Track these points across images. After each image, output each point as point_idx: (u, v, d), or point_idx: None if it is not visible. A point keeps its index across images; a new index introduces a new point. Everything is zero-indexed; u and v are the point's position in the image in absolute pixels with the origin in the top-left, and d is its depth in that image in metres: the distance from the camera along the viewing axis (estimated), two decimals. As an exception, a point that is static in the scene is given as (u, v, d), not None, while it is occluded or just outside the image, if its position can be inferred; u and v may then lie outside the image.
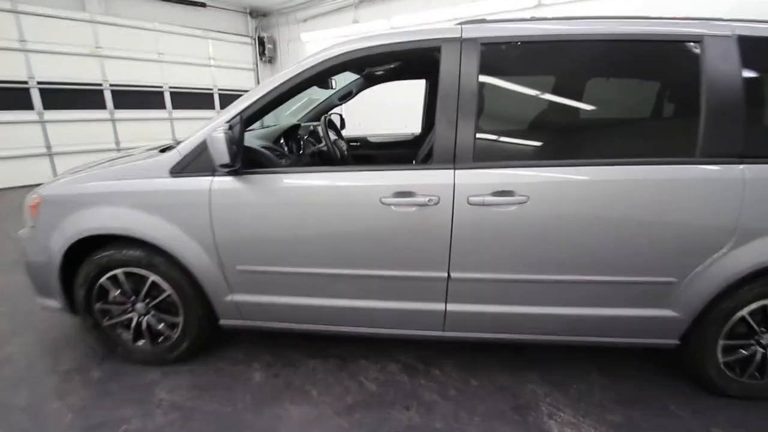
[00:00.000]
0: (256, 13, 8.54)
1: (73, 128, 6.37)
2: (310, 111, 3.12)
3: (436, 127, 1.52)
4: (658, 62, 1.49)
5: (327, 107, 3.08)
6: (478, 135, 1.50)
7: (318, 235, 1.60)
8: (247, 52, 8.71)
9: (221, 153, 1.41)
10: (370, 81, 2.95)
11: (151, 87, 7.22)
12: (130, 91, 6.92)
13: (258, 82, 8.95)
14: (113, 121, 6.82)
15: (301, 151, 2.18)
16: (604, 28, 1.46)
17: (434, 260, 1.58)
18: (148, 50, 7.07)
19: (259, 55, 8.81)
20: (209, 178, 1.62)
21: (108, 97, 6.73)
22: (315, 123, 2.40)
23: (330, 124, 2.32)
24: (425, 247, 1.57)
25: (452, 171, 1.50)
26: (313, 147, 2.14)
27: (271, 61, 8.82)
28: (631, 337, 1.68)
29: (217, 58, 8.06)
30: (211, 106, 8.18)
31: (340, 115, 3.32)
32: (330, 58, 1.57)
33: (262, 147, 1.78)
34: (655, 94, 1.56)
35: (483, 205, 1.49)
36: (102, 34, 6.52)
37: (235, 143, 1.50)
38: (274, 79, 1.61)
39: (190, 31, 7.64)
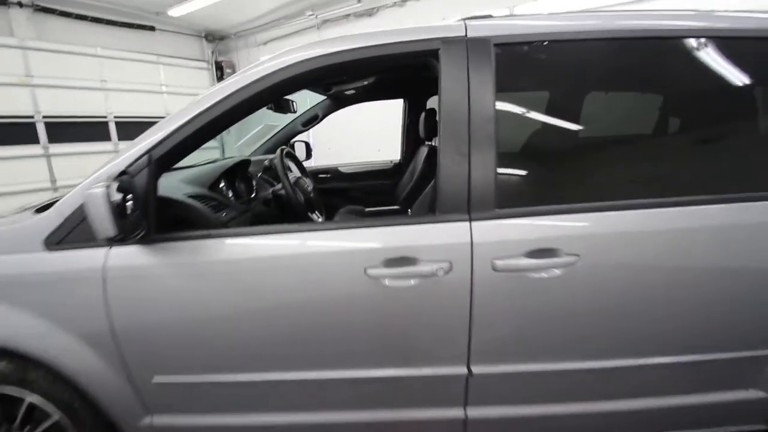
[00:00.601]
0: (212, 37, 8.03)
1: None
2: (268, 140, 2.62)
3: (439, 163, 1.06)
4: (741, 65, 1.10)
5: (289, 135, 2.60)
6: (501, 170, 1.05)
7: (275, 326, 1.08)
8: (203, 78, 8.13)
9: (102, 221, 0.88)
10: (338, 102, 2.51)
11: (93, 117, 6.50)
12: (68, 123, 6.17)
13: (217, 109, 8.33)
14: (48, 156, 6.03)
15: (253, 194, 1.67)
16: (668, 24, 1.06)
17: (447, 351, 1.09)
18: (89, 77, 6.39)
19: (217, 80, 8.26)
20: (104, 249, 1.07)
21: (41, 130, 5.95)
22: (271, 156, 1.90)
23: (290, 157, 1.82)
24: (434, 334, 1.08)
25: (467, 224, 1.04)
26: (268, 189, 1.62)
27: (230, 86, 8.28)
28: (705, 428, 1.24)
29: (170, 84, 7.42)
30: (165, 136, 7.46)
31: (306, 143, 2.84)
32: (280, 70, 1.09)
33: (192, 196, 1.26)
34: (740, 109, 1.16)
35: (514, 270, 1.03)
36: (34, 60, 5.81)
37: (141, 199, 0.99)
38: (203, 99, 1.11)
39: (139, 56, 7.01)
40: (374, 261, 1.04)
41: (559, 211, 1.05)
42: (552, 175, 1.14)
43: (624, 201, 1.04)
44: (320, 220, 1.65)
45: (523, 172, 1.14)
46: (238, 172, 1.64)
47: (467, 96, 1.05)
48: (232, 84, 1.10)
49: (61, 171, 6.13)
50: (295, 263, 1.05)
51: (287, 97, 2.09)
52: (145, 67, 7.03)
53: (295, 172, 1.80)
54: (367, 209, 2.26)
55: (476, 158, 1.04)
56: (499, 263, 1.03)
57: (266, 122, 2.47)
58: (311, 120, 2.55)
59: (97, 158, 6.46)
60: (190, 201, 1.21)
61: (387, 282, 1.04)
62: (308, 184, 1.56)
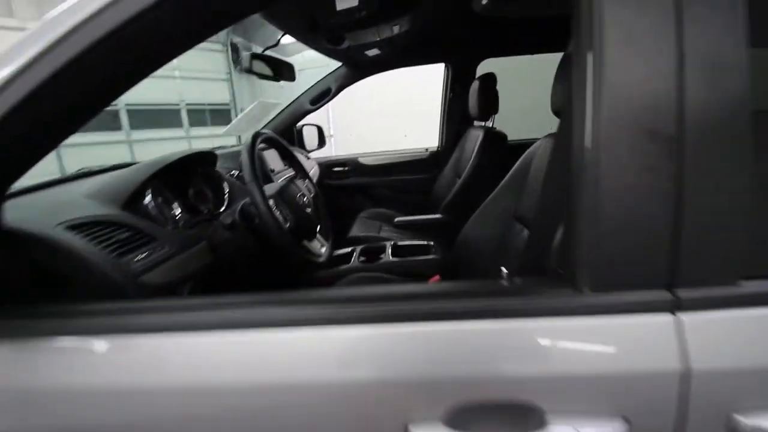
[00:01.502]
0: (226, 16, 7.48)
1: None
2: (268, 124, 2.02)
3: (581, 168, 0.42)
4: None
5: (294, 116, 1.99)
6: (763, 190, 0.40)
7: None
8: (219, 61, 7.64)
9: None
10: (356, 70, 1.87)
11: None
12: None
13: (233, 95, 7.89)
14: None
15: (223, 207, 1.05)
16: None
17: None
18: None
19: (234, 63, 7.75)
20: None
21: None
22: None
23: (273, 147, 1.14)
24: None
25: (668, 320, 0.40)
26: (235, 206, 0.97)
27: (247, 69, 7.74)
28: None
29: (183, 68, 6.99)
30: (179, 124, 7.10)
31: (318, 127, 2.23)
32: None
33: (77, 225, 0.66)
34: None
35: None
36: (36, 44, 5.43)
37: None
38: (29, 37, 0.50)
39: (149, 38, 6.58)
40: (425, 407, 0.42)
41: None
42: None
43: None
44: (323, 251, 1.04)
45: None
46: (195, 172, 1.03)
47: (676, 27, 0.39)
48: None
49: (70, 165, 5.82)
50: (238, 410, 0.45)
51: (283, 58, 1.48)
52: (156, 49, 6.60)
53: (285, 172, 1.20)
54: (397, 219, 1.64)
55: (698, 163, 0.39)
56: (749, 424, 0.39)
57: (261, 98, 1.89)
58: (322, 95, 1.93)
59: (103, 150, 6.11)
60: (64, 238, 0.62)
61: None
62: (302, 191, 0.94)
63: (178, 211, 0.92)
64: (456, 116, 1.99)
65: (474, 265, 1.14)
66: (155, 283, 0.71)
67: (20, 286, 0.58)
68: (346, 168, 2.18)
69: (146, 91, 6.43)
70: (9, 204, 0.58)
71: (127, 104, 6.32)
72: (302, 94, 1.96)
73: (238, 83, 7.86)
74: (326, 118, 6.23)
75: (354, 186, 2.18)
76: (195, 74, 7.18)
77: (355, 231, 1.75)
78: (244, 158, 0.81)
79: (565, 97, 0.62)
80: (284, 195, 0.89)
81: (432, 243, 1.49)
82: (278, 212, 0.85)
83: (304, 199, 0.95)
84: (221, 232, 0.86)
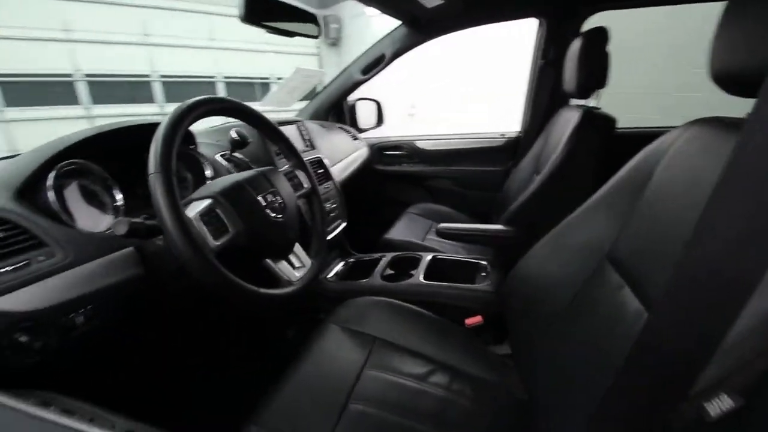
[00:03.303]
0: (317, -14, 7.39)
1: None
2: (316, 96, 1.75)
3: None
4: None
5: (343, 89, 1.69)
6: None
7: None
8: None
9: None
10: (418, 30, 1.48)
11: (202, 77, 6.55)
12: (180, 83, 6.27)
13: (321, 68, 7.91)
14: (90, 118, 5.04)
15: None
16: None
17: None
18: (198, 36, 6.36)
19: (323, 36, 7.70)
20: None
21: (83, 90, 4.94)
22: (232, 131, 0.87)
23: (249, 121, 0.73)
24: None
25: None
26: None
27: (335, 43, 7.64)
28: None
29: (272, 42, 7.14)
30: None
31: (376, 102, 1.91)
32: None
33: None
34: None
35: None
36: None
37: None
38: None
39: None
40: None
41: None
42: None
43: None
44: (298, 276, 0.69)
45: None
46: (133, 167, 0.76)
47: None
48: None
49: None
50: None
51: (307, 8, 1.18)
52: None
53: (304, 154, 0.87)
54: (441, 226, 1.24)
55: None
56: None
57: (298, 65, 1.61)
58: (375, 63, 1.59)
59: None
60: None
61: None
62: (276, 187, 0.62)
63: (119, 197, 0.68)
64: (545, 92, 1.51)
65: (530, 314, 0.74)
66: (11, 311, 0.48)
67: None
68: (400, 152, 1.83)
69: (237, 64, 6.71)
70: None
71: (225, 77, 6.66)
72: (352, 62, 1.65)
73: (327, 58, 7.83)
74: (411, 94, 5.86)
75: (407, 174, 1.83)
76: (284, 48, 7.30)
77: (397, 231, 1.42)
78: (158, 133, 0.53)
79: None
80: (231, 195, 0.59)
81: (486, 262, 1.10)
82: (210, 217, 0.56)
83: (275, 199, 0.65)
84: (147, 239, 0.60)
